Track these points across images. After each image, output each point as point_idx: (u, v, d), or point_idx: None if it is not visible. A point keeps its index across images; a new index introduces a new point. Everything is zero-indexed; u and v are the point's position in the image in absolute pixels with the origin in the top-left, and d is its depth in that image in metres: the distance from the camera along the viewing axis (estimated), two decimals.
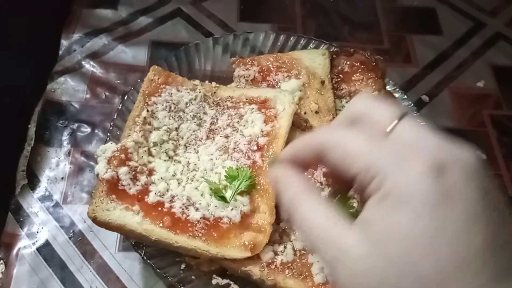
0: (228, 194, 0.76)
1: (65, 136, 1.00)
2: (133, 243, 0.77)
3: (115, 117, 0.89)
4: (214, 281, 0.75)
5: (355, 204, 0.77)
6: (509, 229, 0.44)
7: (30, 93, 1.07)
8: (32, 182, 0.94)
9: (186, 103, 0.88)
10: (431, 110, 1.13)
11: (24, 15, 1.10)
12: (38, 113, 1.03)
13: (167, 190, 0.77)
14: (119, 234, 0.86)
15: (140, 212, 0.74)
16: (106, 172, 0.76)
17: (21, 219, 0.90)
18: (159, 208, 0.75)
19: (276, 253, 0.73)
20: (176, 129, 0.86)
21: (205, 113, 0.89)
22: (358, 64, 0.96)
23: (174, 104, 0.88)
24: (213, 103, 0.90)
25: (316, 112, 0.89)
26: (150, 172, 0.80)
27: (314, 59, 0.97)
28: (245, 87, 0.94)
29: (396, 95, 0.97)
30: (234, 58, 1.00)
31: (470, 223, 0.43)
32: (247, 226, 0.74)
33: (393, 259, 0.44)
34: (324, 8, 1.29)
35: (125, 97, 0.92)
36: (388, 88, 0.97)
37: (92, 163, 0.96)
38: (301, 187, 0.52)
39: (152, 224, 0.74)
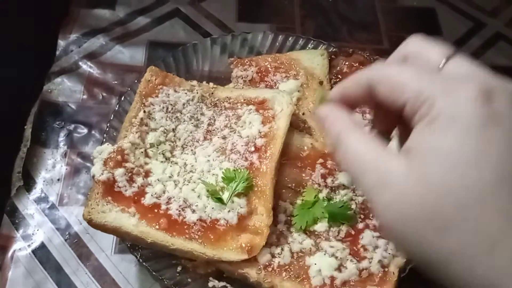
0: (225, 195, 0.75)
1: (61, 137, 1.00)
2: (128, 245, 0.76)
3: (111, 118, 0.89)
4: (210, 284, 0.74)
5: (353, 206, 0.77)
6: None
7: (27, 94, 1.06)
8: (28, 183, 0.93)
9: (184, 104, 0.88)
10: None
11: (21, 15, 1.10)
12: (35, 114, 1.03)
13: (164, 192, 0.77)
14: (115, 236, 0.85)
15: (136, 214, 0.74)
16: (102, 174, 0.75)
17: (17, 221, 0.89)
18: (156, 210, 0.75)
19: (273, 255, 0.73)
20: (173, 130, 0.85)
21: (202, 114, 0.88)
22: (357, 64, 0.95)
23: (171, 105, 0.87)
24: (211, 104, 0.89)
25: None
26: (147, 174, 0.79)
27: (313, 59, 0.96)
28: (243, 87, 0.94)
29: None
30: (232, 59, 0.99)
31: None
32: (244, 228, 0.73)
33: (435, 179, 0.45)
34: (323, 8, 1.28)
35: (122, 98, 0.92)
36: None
37: (88, 164, 0.95)
38: (347, 123, 0.54)
39: (148, 226, 0.73)
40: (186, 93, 0.89)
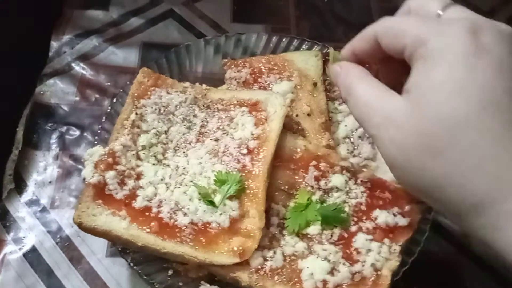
0: (217, 198, 0.74)
1: (53, 140, 0.99)
2: (119, 249, 0.76)
3: (103, 120, 0.88)
4: None
5: (346, 209, 0.76)
6: None
7: (19, 96, 1.05)
8: (20, 186, 0.93)
9: (176, 106, 0.87)
10: None
11: (14, 16, 1.09)
12: (27, 116, 1.02)
13: (155, 195, 0.76)
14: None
15: (127, 217, 0.73)
16: (92, 177, 0.75)
17: (8, 224, 0.88)
18: (147, 213, 0.74)
19: (265, 259, 0.72)
20: (166, 132, 0.84)
21: (195, 115, 0.87)
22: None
23: (163, 106, 0.86)
24: (204, 106, 0.88)
25: (308, 115, 0.88)
26: (138, 176, 0.78)
27: (307, 60, 0.95)
28: (236, 89, 0.93)
29: None
30: (226, 60, 0.98)
31: (498, 72, 0.49)
32: (236, 231, 0.72)
33: (429, 110, 0.50)
34: (318, 8, 1.28)
35: (114, 100, 0.91)
36: None
37: (80, 166, 0.94)
38: (357, 73, 0.61)
39: (139, 230, 0.72)
40: (178, 95, 0.88)
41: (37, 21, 1.16)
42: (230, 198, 0.74)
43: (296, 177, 0.79)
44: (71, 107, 1.04)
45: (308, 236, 0.74)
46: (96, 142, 0.84)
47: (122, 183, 0.76)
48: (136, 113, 0.84)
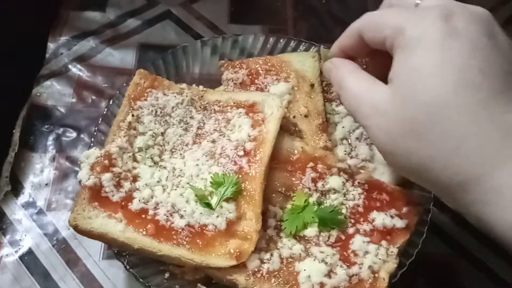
0: (213, 200, 0.74)
1: (50, 141, 0.98)
2: (115, 251, 0.75)
3: (99, 122, 0.88)
4: None
5: (343, 211, 0.76)
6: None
7: (15, 97, 1.05)
8: (16, 188, 0.92)
9: (173, 107, 0.87)
10: None
11: (10, 17, 1.08)
12: (23, 118, 1.02)
13: (152, 197, 0.76)
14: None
15: (123, 220, 0.73)
16: (89, 179, 0.74)
17: (4, 226, 0.88)
18: (143, 216, 0.74)
19: (262, 261, 0.71)
20: (162, 134, 0.84)
21: (191, 117, 0.87)
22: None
23: (160, 108, 0.86)
24: (200, 107, 0.88)
25: (306, 116, 0.87)
26: (135, 178, 0.78)
27: (304, 61, 0.95)
28: (233, 90, 0.92)
29: None
30: (223, 61, 0.98)
31: (472, 52, 0.51)
32: (233, 234, 0.72)
33: (410, 96, 0.53)
34: (315, 9, 1.27)
35: (111, 102, 0.90)
36: None
37: (77, 168, 0.94)
38: (347, 68, 0.65)
39: (135, 232, 0.72)
40: (175, 96, 0.88)
41: (34, 22, 1.15)
42: (227, 200, 0.74)
43: (293, 179, 0.79)
44: (68, 108, 1.04)
45: (305, 238, 0.74)
46: (92, 144, 0.84)
47: (118, 185, 0.75)
48: (133, 115, 0.83)
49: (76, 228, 0.72)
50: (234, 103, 0.86)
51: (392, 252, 0.72)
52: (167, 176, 0.79)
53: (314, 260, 0.71)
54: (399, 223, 0.74)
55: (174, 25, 1.20)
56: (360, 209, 0.76)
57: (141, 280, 0.73)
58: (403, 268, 0.73)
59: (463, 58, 0.51)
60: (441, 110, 0.51)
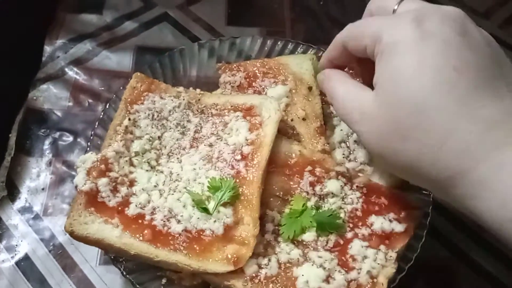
0: (211, 205, 0.73)
1: (46, 145, 0.98)
2: (112, 257, 0.75)
3: (96, 126, 0.87)
4: None
5: (341, 215, 0.75)
6: (487, 61, 0.54)
7: (11, 101, 1.04)
8: (12, 193, 0.92)
9: (170, 111, 0.86)
10: None
11: (6, 20, 1.08)
12: (19, 121, 1.01)
13: (148, 202, 0.75)
14: None
15: (120, 225, 0.72)
16: (85, 184, 0.73)
17: (0, 232, 0.87)
18: (140, 221, 0.73)
19: (260, 266, 0.71)
20: (159, 137, 0.83)
21: (189, 121, 0.86)
22: (347, 69, 0.93)
23: (157, 112, 0.85)
24: (197, 111, 0.87)
25: (304, 119, 0.87)
26: (131, 183, 0.77)
27: (301, 64, 0.94)
28: (231, 93, 0.92)
29: None
30: (220, 64, 0.97)
31: (446, 52, 0.53)
32: (230, 239, 0.71)
33: (391, 99, 0.55)
34: (313, 11, 1.27)
35: (107, 105, 0.90)
36: None
37: (74, 173, 0.93)
38: (337, 78, 0.68)
39: (132, 238, 0.71)
40: (172, 100, 0.87)
41: (31, 25, 1.15)
42: (224, 205, 0.73)
43: (291, 183, 0.79)
44: (64, 112, 1.03)
45: (304, 243, 0.73)
46: (88, 149, 0.84)
47: (115, 190, 0.75)
48: (129, 119, 0.83)
49: (72, 234, 0.71)
50: (231, 106, 0.86)
51: (390, 256, 0.71)
52: (164, 181, 0.79)
53: (312, 265, 0.70)
54: (398, 227, 0.73)
55: (171, 28, 1.19)
56: (359, 213, 0.75)
57: (138, 286, 0.72)
58: (402, 273, 0.73)
59: (438, 59, 0.53)
60: (422, 110, 0.53)
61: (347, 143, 0.86)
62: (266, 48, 1.03)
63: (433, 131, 0.53)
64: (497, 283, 0.86)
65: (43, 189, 0.92)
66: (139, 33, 1.18)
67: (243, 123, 0.82)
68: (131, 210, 0.73)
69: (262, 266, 0.71)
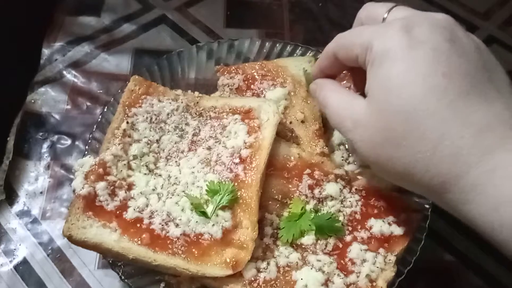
0: (209, 209, 0.73)
1: (44, 149, 0.97)
2: (110, 261, 0.74)
3: (94, 129, 0.87)
4: None
5: (340, 218, 0.75)
6: (476, 67, 0.54)
7: (9, 104, 1.04)
8: (10, 197, 0.91)
9: (168, 114, 0.86)
10: None
11: (4, 23, 1.08)
12: (17, 125, 1.01)
13: (147, 206, 0.75)
14: None
15: (118, 229, 0.72)
16: (83, 188, 0.73)
17: None
18: (138, 225, 0.73)
19: (259, 270, 0.71)
20: (157, 141, 0.83)
21: (187, 124, 0.86)
22: (346, 71, 0.93)
23: (155, 115, 0.85)
24: (196, 114, 0.87)
25: (302, 122, 0.87)
26: (129, 187, 0.77)
27: (300, 66, 0.94)
28: (229, 96, 0.92)
29: None
30: (219, 66, 0.97)
31: (435, 59, 0.53)
32: (229, 243, 0.71)
33: (383, 107, 0.56)
34: (312, 13, 1.27)
35: (105, 109, 0.90)
36: None
37: (72, 176, 0.92)
38: (329, 87, 0.68)
39: (130, 242, 0.71)
40: (170, 103, 0.87)
41: (29, 28, 1.15)
42: (223, 208, 0.73)
43: (290, 186, 0.78)
44: (62, 115, 1.03)
45: (302, 246, 0.73)
46: (86, 152, 0.83)
47: (113, 194, 0.75)
48: (127, 122, 0.82)
49: (70, 239, 0.71)
50: (230, 109, 0.85)
51: (390, 260, 0.71)
52: (162, 184, 0.78)
53: (311, 268, 0.70)
54: (397, 230, 0.73)
55: (170, 30, 1.19)
56: (358, 216, 0.75)
57: None
58: (401, 276, 0.72)
59: (427, 65, 0.53)
60: (413, 117, 0.53)
61: (346, 145, 0.86)
62: (264, 50, 1.03)
63: (425, 138, 0.53)
64: (497, 285, 0.85)
65: (41, 192, 0.92)
66: (137, 35, 1.17)
67: (242, 126, 0.82)
68: (129, 214, 0.73)
69: (261, 270, 0.71)
